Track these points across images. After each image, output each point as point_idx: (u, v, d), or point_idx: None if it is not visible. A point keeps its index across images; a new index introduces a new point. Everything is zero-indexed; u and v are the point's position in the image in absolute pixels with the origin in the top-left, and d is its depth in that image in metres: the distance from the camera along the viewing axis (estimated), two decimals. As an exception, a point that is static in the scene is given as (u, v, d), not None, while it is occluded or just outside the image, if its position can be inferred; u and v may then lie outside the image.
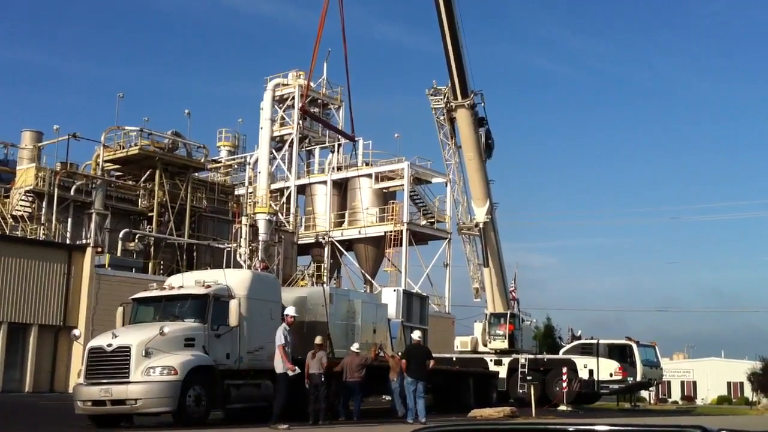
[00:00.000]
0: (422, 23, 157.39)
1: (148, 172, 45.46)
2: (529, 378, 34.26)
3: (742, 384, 73.13)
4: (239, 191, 52.70)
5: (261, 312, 19.66)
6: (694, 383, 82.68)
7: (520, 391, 34.55)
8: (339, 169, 55.83)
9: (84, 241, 40.35)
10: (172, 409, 17.32)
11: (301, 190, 56.68)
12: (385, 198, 54.54)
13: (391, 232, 51.58)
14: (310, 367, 19.08)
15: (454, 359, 36.21)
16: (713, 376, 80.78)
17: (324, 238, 53.82)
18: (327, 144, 57.86)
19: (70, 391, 23.86)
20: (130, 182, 46.53)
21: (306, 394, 19.10)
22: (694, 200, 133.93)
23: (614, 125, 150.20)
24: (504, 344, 36.86)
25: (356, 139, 48.45)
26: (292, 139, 55.85)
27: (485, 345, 37.54)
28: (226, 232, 47.54)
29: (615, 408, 40.40)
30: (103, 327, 26.15)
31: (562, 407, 32.27)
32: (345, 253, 54.72)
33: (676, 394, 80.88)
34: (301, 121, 56.14)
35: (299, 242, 52.63)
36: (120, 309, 19.87)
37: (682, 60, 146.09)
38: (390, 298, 28.70)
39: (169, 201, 44.46)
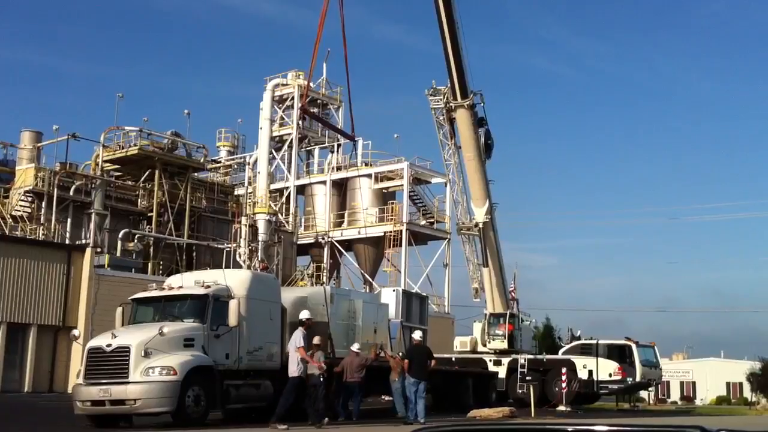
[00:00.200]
0: (422, 23, 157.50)
1: (147, 173, 45.45)
2: (528, 378, 34.24)
3: (741, 384, 73.08)
4: (239, 191, 52.71)
5: (260, 312, 19.66)
6: (694, 383, 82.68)
7: (520, 391, 34.54)
8: (338, 169, 55.83)
9: (83, 242, 40.35)
10: (171, 410, 17.32)
11: (301, 190, 56.68)
12: (385, 198, 54.53)
13: (391, 232, 51.57)
14: (309, 367, 19.07)
15: (453, 359, 36.20)
16: (712, 377, 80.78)
17: (323, 239, 53.81)
18: (326, 144, 57.87)
19: (70, 391, 23.86)
20: (130, 182, 46.53)
21: (306, 394, 19.09)
22: (694, 200, 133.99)
23: (614, 125, 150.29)
24: (503, 344, 36.86)
25: (356, 139, 48.44)
26: (292, 139, 55.85)
27: (485, 345, 37.54)
28: (226, 232, 47.55)
29: (614, 408, 40.40)
30: (102, 327, 26.15)
31: (562, 407, 32.27)
32: (344, 253, 54.71)
33: (675, 395, 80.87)
34: (300, 122, 56.12)
35: (299, 242, 52.61)
36: (119, 309, 19.87)
37: (682, 60, 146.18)
38: (389, 299, 28.68)
39: (168, 201, 44.47)
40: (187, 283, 19.68)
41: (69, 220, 42.01)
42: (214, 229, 47.49)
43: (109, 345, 17.52)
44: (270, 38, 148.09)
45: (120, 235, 40.96)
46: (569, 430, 5.32)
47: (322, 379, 18.96)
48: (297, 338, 18.48)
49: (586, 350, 36.21)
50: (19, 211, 41.44)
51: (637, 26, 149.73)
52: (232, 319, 18.41)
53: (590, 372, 34.98)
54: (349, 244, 54.65)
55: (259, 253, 45.84)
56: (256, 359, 19.48)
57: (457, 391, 28.98)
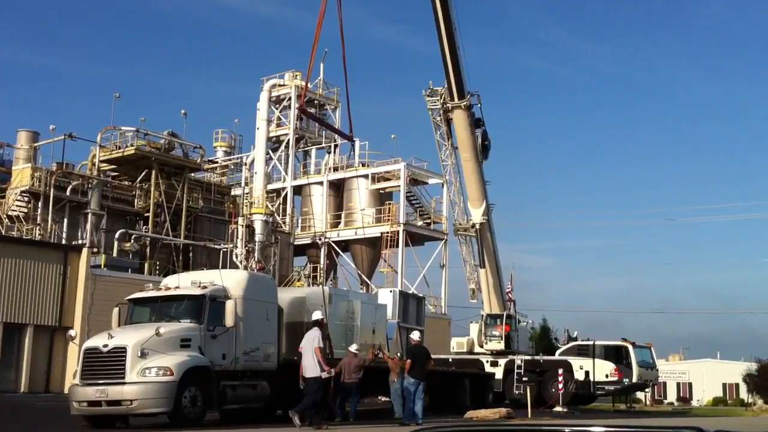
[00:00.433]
0: (419, 24, 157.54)
1: (144, 173, 45.42)
2: (525, 379, 34.26)
3: (737, 385, 73.11)
4: (235, 192, 52.67)
5: (257, 313, 19.64)
6: (690, 384, 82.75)
7: (516, 392, 34.56)
8: (335, 169, 55.84)
9: (80, 242, 40.32)
10: (167, 410, 17.30)
11: (298, 190, 56.68)
12: (382, 199, 54.54)
13: (388, 232, 51.58)
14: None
15: (450, 360, 36.20)
16: (709, 378, 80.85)
17: (320, 239, 53.81)
18: (323, 145, 57.87)
19: (66, 391, 23.82)
20: (126, 182, 46.50)
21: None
22: (692, 201, 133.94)
23: (613, 126, 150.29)
24: (500, 345, 36.87)
25: (354, 139, 48.42)
26: (289, 139, 55.85)
27: (481, 346, 37.55)
28: (223, 232, 47.52)
29: (611, 409, 40.41)
30: (98, 328, 26.12)
31: (558, 408, 32.30)
32: (341, 253, 54.72)
33: (671, 396, 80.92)
34: (297, 122, 56.16)
35: (295, 243, 52.62)
36: (116, 309, 19.82)
37: (682, 60, 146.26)
38: (386, 299, 28.65)
39: (165, 201, 44.44)
40: (183, 283, 19.65)
41: (65, 220, 41.97)
42: (210, 229, 47.46)
43: (105, 345, 17.49)
44: (267, 38, 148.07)
45: (117, 236, 40.91)
46: (566, 431, 5.31)
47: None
48: (315, 338, 18.36)
49: (582, 351, 36.23)
50: (16, 211, 41.40)
51: (636, 27, 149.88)
52: (229, 320, 18.39)
53: (587, 373, 35.00)
54: (346, 245, 54.65)
55: (255, 254, 45.82)
56: (253, 360, 19.46)
57: (453, 392, 28.96)
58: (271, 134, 55.05)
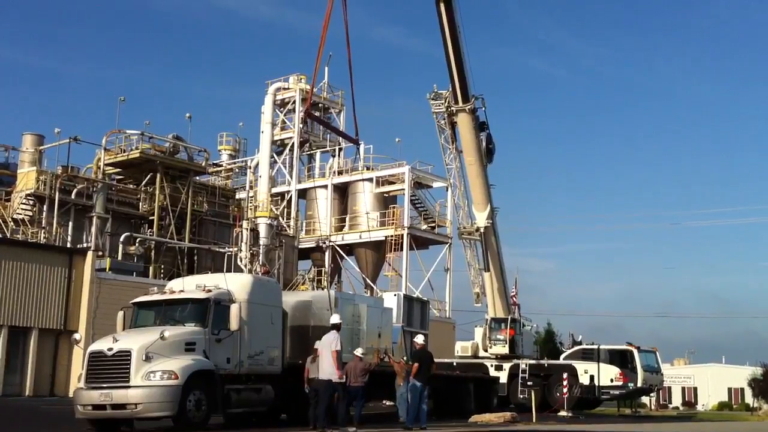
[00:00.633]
0: (423, 27, 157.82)
1: (149, 176, 45.48)
2: (529, 383, 34.23)
3: (743, 390, 73.03)
4: (240, 195, 52.71)
5: (262, 316, 19.62)
6: (695, 389, 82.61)
7: (521, 396, 34.52)
8: (340, 173, 55.86)
9: (85, 245, 40.33)
10: (172, 414, 17.27)
11: (302, 194, 56.69)
12: (386, 202, 54.53)
13: (392, 236, 51.59)
14: (310, 371, 19.03)
15: (454, 364, 36.20)
16: (714, 382, 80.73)
17: (324, 243, 53.81)
18: (328, 148, 57.90)
19: (71, 395, 23.81)
20: (131, 186, 46.54)
21: (307, 399, 19.06)
22: (695, 205, 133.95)
23: (614, 128, 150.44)
24: (505, 349, 36.84)
25: (360, 142, 48.40)
26: (293, 143, 55.88)
27: (486, 350, 37.52)
28: (227, 236, 47.55)
29: (616, 414, 40.31)
30: (103, 331, 26.13)
31: (563, 413, 32.19)
32: (345, 257, 54.71)
33: (676, 400, 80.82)
34: (302, 125, 56.20)
35: (300, 246, 52.61)
36: (120, 313, 19.81)
37: (682, 62, 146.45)
38: (391, 303, 28.64)
39: (169, 205, 44.48)
40: (188, 287, 19.65)
41: (70, 224, 42.01)
42: (215, 232, 47.48)
43: (110, 349, 17.47)
44: (271, 42, 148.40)
45: (121, 239, 40.95)
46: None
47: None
48: (333, 341, 18.35)
49: (587, 355, 36.17)
50: (21, 214, 41.45)
51: (636, 29, 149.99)
52: (234, 324, 18.37)
53: (592, 377, 34.96)
54: (350, 248, 54.65)
55: (260, 257, 45.80)
56: (257, 363, 19.44)
57: (458, 396, 28.91)
58: (276, 138, 55.07)
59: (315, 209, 55.58)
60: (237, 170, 57.66)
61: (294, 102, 55.97)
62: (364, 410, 22.28)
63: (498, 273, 37.61)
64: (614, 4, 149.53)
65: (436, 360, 21.82)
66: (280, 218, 51.91)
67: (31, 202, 41.96)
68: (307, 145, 58.21)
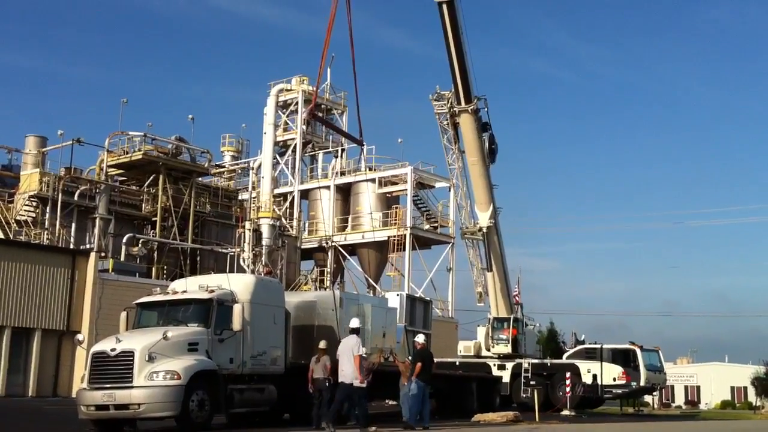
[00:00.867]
0: (426, 28, 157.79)
1: (151, 177, 45.55)
2: (532, 383, 34.18)
3: (745, 389, 72.99)
4: (243, 196, 52.77)
5: (264, 317, 19.67)
6: (698, 388, 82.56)
7: (524, 395, 34.50)
8: (342, 173, 55.90)
9: (88, 246, 40.42)
10: (175, 414, 17.31)
11: (305, 195, 56.76)
12: (389, 203, 54.57)
13: (395, 236, 51.62)
14: (315, 371, 19.08)
15: (457, 363, 36.18)
16: (717, 381, 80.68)
17: (327, 243, 53.85)
18: (330, 149, 57.94)
19: (74, 395, 23.86)
20: (134, 187, 46.63)
21: (310, 399, 19.11)
22: (698, 205, 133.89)
23: (616, 130, 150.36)
24: (507, 349, 36.82)
25: (364, 143, 48.43)
26: (296, 144, 55.94)
27: (488, 349, 37.50)
28: (230, 236, 47.61)
29: (618, 413, 40.32)
30: (106, 332, 26.16)
31: (566, 412, 32.21)
32: (348, 257, 54.74)
33: (679, 399, 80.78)
34: (304, 126, 56.27)
35: (302, 247, 52.66)
36: (123, 314, 19.87)
37: (683, 64, 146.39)
38: (394, 303, 28.65)
39: (172, 206, 44.53)
40: (191, 287, 19.70)
41: (73, 225, 42.08)
42: (218, 233, 47.54)
43: (113, 349, 17.52)
44: (274, 43, 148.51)
45: (124, 240, 41.02)
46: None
47: (327, 384, 18.96)
48: (355, 345, 18.56)
49: (590, 355, 36.14)
50: (24, 215, 41.53)
51: (637, 31, 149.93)
52: (236, 324, 18.42)
53: (594, 376, 34.92)
54: (352, 249, 54.68)
55: (263, 258, 45.89)
56: (260, 363, 19.49)
57: (460, 396, 28.93)
58: (279, 139, 55.18)
59: (318, 210, 55.63)
60: (240, 171, 57.73)
61: (296, 103, 56.03)
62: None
63: (501, 272, 37.60)
64: (615, 7, 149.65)
65: (439, 360, 21.86)
66: (283, 219, 51.96)
67: (34, 204, 42.04)
68: (310, 146, 58.26)
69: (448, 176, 43.41)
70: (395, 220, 52.73)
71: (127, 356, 17.28)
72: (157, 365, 17.16)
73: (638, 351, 35.49)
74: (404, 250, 51.20)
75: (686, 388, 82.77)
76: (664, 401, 71.12)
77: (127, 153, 44.96)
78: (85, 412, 17.72)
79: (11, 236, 39.64)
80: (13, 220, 41.02)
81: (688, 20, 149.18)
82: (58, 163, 44.03)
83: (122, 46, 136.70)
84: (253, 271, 42.35)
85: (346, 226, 54.80)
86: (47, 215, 41.26)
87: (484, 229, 36.49)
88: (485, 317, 39.13)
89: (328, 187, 55.34)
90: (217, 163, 54.28)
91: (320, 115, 55.10)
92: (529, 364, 35.95)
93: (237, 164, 57.90)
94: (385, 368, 22.58)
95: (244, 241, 46.38)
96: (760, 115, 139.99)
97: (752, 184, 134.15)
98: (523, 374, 35.44)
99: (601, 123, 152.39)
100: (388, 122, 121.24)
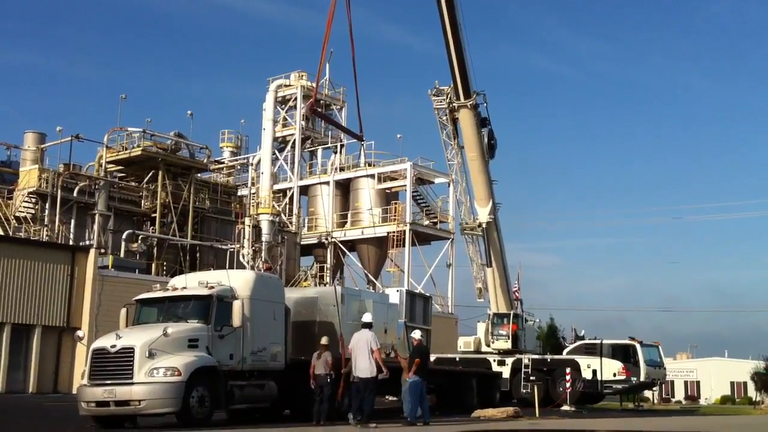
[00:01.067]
0: (425, 24, 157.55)
1: (150, 174, 45.52)
2: (532, 378, 34.22)
3: (745, 384, 73.00)
4: (242, 192, 52.75)
5: (264, 313, 19.65)
6: (698, 383, 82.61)
7: (524, 391, 34.54)
8: (341, 169, 55.89)
9: (87, 243, 40.38)
10: (175, 410, 17.30)
11: (304, 190, 56.73)
12: (388, 198, 54.55)
13: (394, 232, 51.62)
14: (316, 367, 19.07)
15: (457, 359, 36.19)
16: (717, 376, 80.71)
17: (327, 239, 53.85)
18: (329, 145, 57.90)
19: (74, 392, 23.85)
20: (133, 183, 46.59)
21: (312, 395, 19.10)
22: (698, 200, 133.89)
23: (616, 125, 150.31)
24: (507, 344, 36.83)
25: (364, 139, 48.34)
26: (295, 139, 55.91)
27: (488, 345, 37.51)
28: (229, 232, 47.59)
29: (618, 408, 40.34)
30: (106, 328, 26.16)
31: (566, 407, 32.25)
32: (348, 253, 54.74)
33: (679, 394, 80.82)
34: (303, 122, 56.22)
35: (302, 243, 52.65)
36: (123, 310, 19.84)
37: (683, 60, 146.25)
38: (394, 299, 28.63)
39: (171, 202, 44.51)
40: (190, 283, 19.67)
41: (73, 221, 42.07)
42: (217, 229, 47.53)
43: (113, 346, 17.50)
44: (272, 39, 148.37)
45: (124, 236, 40.99)
46: None
47: (329, 380, 18.96)
48: (371, 340, 18.69)
49: (590, 350, 36.15)
50: (23, 212, 41.51)
51: (638, 27, 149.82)
52: (236, 320, 18.40)
53: (594, 372, 34.95)
54: (352, 245, 54.68)
55: (262, 254, 45.88)
56: (260, 360, 19.47)
57: (460, 392, 28.92)
58: (278, 134, 55.14)
59: (317, 206, 55.61)
60: (239, 167, 57.72)
61: (295, 99, 56.00)
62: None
63: (500, 268, 37.59)
64: (616, 3, 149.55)
65: (439, 356, 21.84)
66: (283, 215, 51.95)
67: (34, 200, 42.02)
68: (309, 141, 58.22)
69: (447, 172, 43.36)
70: (395, 215, 52.72)
71: (128, 352, 17.27)
72: (158, 361, 17.15)
73: (638, 346, 35.50)
74: (404, 245, 51.21)
75: (686, 383, 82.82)
76: (664, 396, 71.13)
77: (126, 149, 44.96)
78: (85, 408, 17.71)
79: (10, 233, 39.62)
80: (12, 217, 40.99)
81: (688, 16, 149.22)
82: (57, 159, 44.09)
83: (121, 43, 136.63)
84: (252, 267, 42.33)
85: (346, 222, 54.79)
86: (46, 212, 41.24)
87: (484, 225, 36.47)
88: (485, 313, 39.13)
89: (327, 183, 55.30)
90: (217, 159, 54.24)
91: (319, 110, 55.04)
92: (529, 359, 35.98)
93: (236, 160, 57.87)
94: (387, 364, 22.54)
95: (244, 237, 46.37)
96: (760, 111, 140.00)
97: (752, 178, 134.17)
98: (523, 370, 35.47)
99: (601, 118, 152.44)
100: (388, 118, 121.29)
